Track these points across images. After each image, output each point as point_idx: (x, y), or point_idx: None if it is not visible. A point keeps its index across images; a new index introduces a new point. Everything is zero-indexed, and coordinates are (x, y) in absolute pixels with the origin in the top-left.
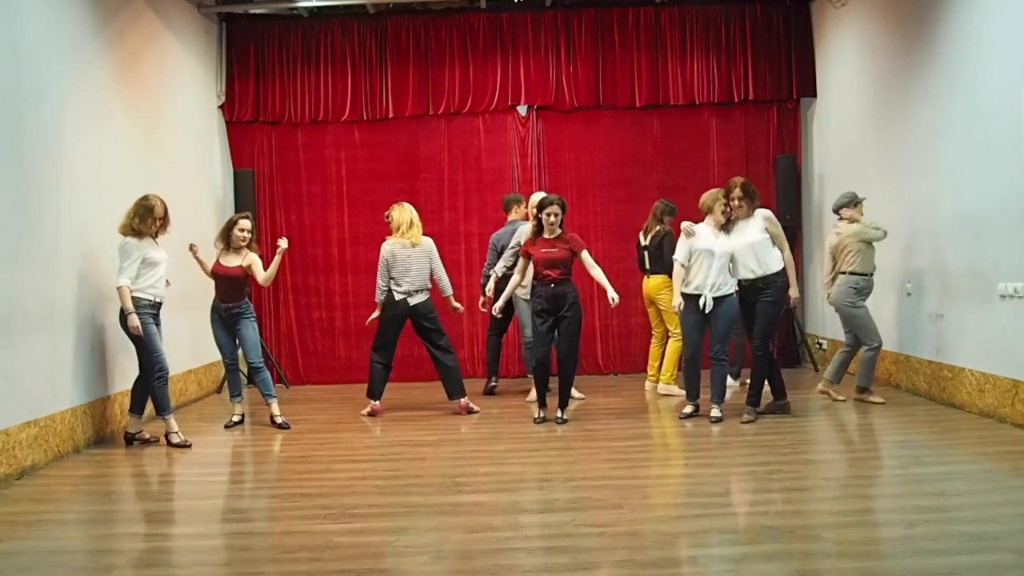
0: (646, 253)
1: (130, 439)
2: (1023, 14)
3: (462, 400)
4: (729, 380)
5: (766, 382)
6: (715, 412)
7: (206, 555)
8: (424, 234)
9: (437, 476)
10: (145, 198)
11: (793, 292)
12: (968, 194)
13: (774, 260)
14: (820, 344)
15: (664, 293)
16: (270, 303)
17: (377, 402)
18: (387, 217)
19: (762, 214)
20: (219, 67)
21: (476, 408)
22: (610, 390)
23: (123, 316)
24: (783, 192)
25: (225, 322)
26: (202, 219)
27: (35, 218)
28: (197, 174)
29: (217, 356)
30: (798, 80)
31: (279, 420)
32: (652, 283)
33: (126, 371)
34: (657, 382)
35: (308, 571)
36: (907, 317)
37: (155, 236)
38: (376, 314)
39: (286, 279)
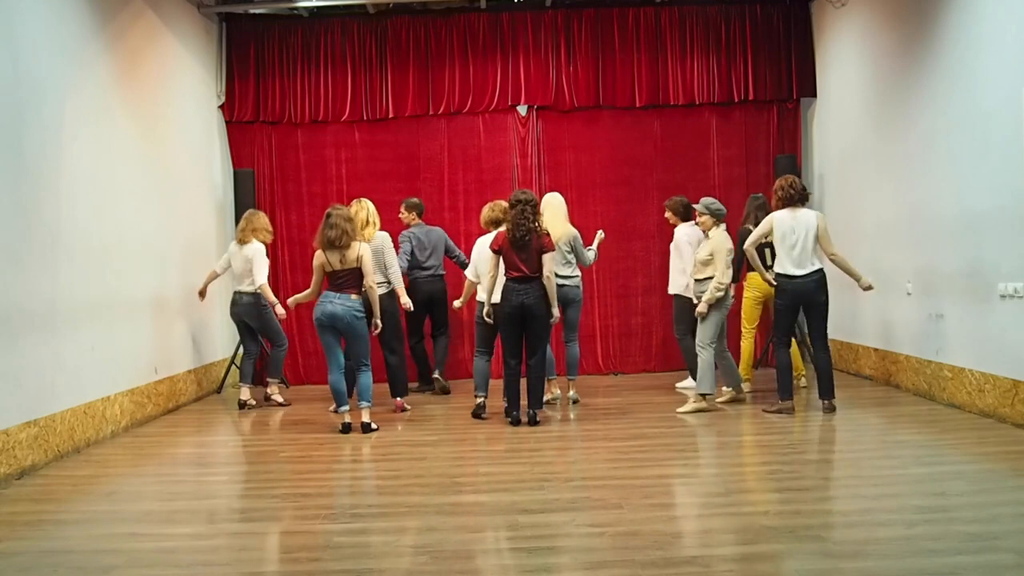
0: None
1: (242, 405)
2: (1023, 14)
3: (399, 399)
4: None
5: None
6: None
7: (206, 555)
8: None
9: (437, 476)
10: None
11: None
12: (968, 194)
13: None
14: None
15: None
16: None
17: (400, 399)
18: None
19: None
20: (219, 67)
21: (408, 407)
22: (610, 390)
23: (240, 305)
24: None
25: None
26: (202, 219)
27: (35, 218)
28: (197, 174)
29: (216, 356)
30: (798, 80)
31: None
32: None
33: (126, 371)
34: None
35: (308, 571)
36: (907, 317)
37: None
38: None
39: (286, 279)
